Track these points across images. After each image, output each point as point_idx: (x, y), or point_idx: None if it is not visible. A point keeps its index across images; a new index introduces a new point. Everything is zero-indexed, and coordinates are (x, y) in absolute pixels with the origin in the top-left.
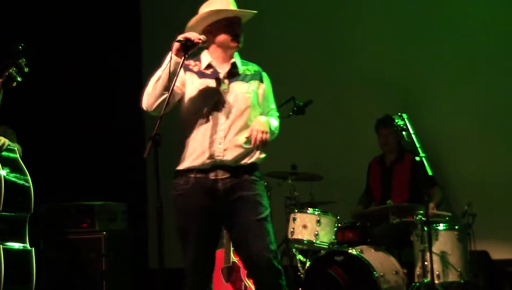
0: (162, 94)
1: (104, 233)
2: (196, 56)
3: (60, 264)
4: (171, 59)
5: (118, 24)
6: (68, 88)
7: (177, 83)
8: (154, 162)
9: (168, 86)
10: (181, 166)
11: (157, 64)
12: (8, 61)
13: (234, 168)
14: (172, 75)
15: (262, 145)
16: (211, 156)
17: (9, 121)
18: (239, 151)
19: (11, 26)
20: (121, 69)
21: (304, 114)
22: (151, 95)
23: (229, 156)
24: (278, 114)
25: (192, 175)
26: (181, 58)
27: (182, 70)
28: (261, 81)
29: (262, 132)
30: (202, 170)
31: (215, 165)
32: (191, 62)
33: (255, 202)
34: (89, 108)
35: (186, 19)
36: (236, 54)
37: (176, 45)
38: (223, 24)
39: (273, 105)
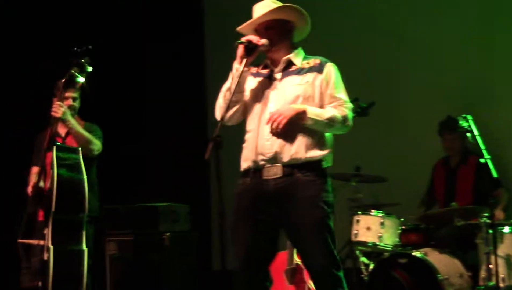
0: (232, 105)
1: (168, 234)
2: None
3: (124, 265)
4: (236, 70)
5: (180, 26)
6: (133, 90)
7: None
8: (215, 164)
9: (237, 96)
10: (241, 167)
11: (220, 68)
12: (71, 61)
13: (287, 166)
14: (239, 85)
15: (275, 128)
16: (261, 155)
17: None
18: (289, 148)
19: (73, 26)
20: (184, 72)
21: (368, 116)
22: (223, 108)
23: (279, 153)
24: (348, 105)
25: (249, 176)
26: (244, 63)
27: (243, 75)
28: (320, 72)
29: (279, 115)
30: (256, 170)
31: (267, 164)
32: (252, 68)
33: (310, 204)
34: (154, 110)
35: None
36: (298, 50)
37: (239, 49)
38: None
39: (341, 95)
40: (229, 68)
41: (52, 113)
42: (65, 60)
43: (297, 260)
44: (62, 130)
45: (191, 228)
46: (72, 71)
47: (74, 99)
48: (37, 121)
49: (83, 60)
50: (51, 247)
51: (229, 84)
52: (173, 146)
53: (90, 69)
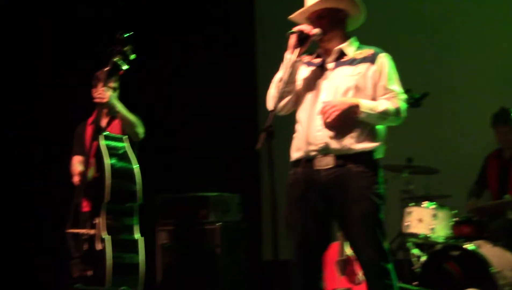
0: (285, 95)
1: (218, 224)
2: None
3: (175, 255)
4: (288, 60)
5: (231, 13)
6: (183, 78)
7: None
8: (267, 154)
9: (289, 86)
10: (292, 157)
11: (271, 57)
12: (114, 49)
13: (339, 157)
14: (291, 75)
15: (326, 120)
16: (313, 145)
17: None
18: (341, 140)
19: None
20: (235, 61)
21: (420, 107)
22: (275, 98)
23: (330, 145)
24: (402, 97)
25: (300, 166)
26: (296, 53)
27: (295, 65)
28: (373, 62)
29: (332, 107)
30: (307, 160)
31: (318, 154)
32: (305, 57)
33: (360, 195)
34: (205, 100)
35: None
36: (352, 40)
37: (291, 39)
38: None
39: (394, 86)
40: (280, 57)
41: (98, 99)
42: (108, 48)
43: (348, 251)
44: (103, 121)
45: (242, 218)
46: (115, 59)
47: (114, 89)
48: (78, 111)
49: (126, 48)
50: (105, 237)
51: (282, 74)
52: (224, 135)
53: (133, 56)
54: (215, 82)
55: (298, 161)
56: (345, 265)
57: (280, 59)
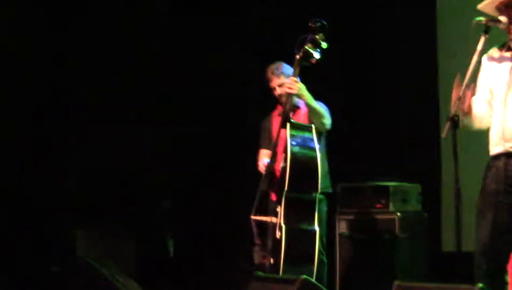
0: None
1: (398, 214)
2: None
3: (354, 245)
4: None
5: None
6: (364, 65)
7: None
8: (452, 143)
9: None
10: (491, 152)
11: (452, 43)
12: (306, 37)
13: None
14: (477, 63)
15: None
16: (501, 140)
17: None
18: None
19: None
20: (414, 47)
21: None
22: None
23: None
24: None
25: (494, 161)
26: (482, 42)
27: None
28: None
29: None
30: (508, 155)
31: (506, 149)
32: (495, 50)
33: None
34: (385, 87)
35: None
36: None
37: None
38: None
39: None
40: (461, 44)
41: (287, 90)
42: (300, 36)
43: None
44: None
45: (421, 208)
46: (307, 47)
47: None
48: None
49: (317, 36)
50: (284, 225)
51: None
52: (405, 124)
53: (325, 45)
54: (395, 67)
55: (497, 156)
56: None
57: (461, 45)
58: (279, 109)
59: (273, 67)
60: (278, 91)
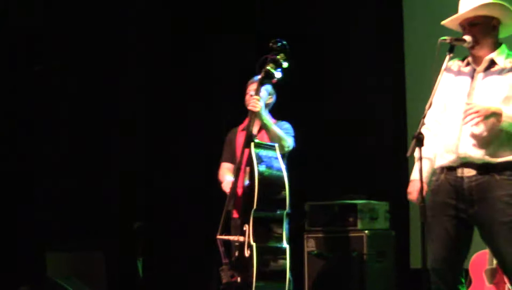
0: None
1: (366, 232)
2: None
3: (323, 262)
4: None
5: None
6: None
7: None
8: (418, 161)
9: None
10: (436, 163)
11: (419, 62)
12: (266, 57)
13: (481, 165)
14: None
15: (467, 123)
16: (455, 155)
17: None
18: (484, 148)
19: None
20: (383, 67)
21: None
22: (427, 105)
23: (473, 153)
24: None
25: (443, 173)
26: (447, 61)
27: (444, 72)
28: None
29: (476, 112)
30: (450, 167)
31: (461, 162)
32: (455, 62)
33: (505, 203)
34: (350, 105)
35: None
36: (502, 47)
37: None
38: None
39: None
40: (428, 62)
41: (251, 108)
42: (261, 56)
43: None
44: (254, 128)
45: (389, 225)
46: (268, 67)
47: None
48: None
49: (278, 56)
50: (254, 244)
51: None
52: (373, 141)
53: (286, 65)
54: (362, 85)
55: (442, 169)
56: (493, 274)
57: (428, 64)
58: (245, 124)
59: (252, 79)
60: (247, 96)
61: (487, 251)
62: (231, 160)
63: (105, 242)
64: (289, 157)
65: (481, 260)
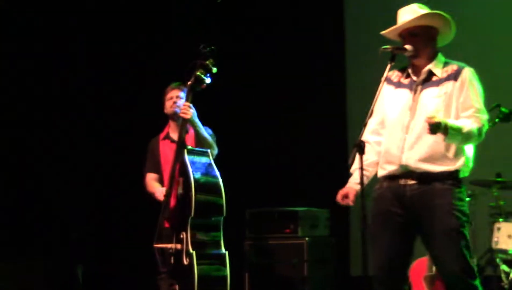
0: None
1: (307, 239)
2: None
3: (263, 269)
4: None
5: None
6: (269, 91)
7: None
8: (360, 169)
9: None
10: (378, 173)
11: (360, 70)
12: (196, 63)
13: (422, 175)
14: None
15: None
16: (398, 163)
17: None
18: (425, 158)
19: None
20: (324, 73)
21: (510, 122)
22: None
23: (415, 163)
24: (482, 116)
25: (386, 181)
26: (387, 70)
27: (385, 83)
28: (456, 79)
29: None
30: (393, 176)
31: (403, 171)
32: (395, 73)
33: (445, 212)
34: (292, 112)
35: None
36: (439, 57)
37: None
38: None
39: (476, 104)
40: (369, 71)
41: (182, 115)
42: (190, 62)
43: None
44: (175, 135)
45: (330, 233)
46: (198, 72)
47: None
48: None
49: (207, 62)
50: (193, 252)
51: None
52: (313, 149)
53: (214, 70)
54: (303, 93)
55: (384, 177)
56: (432, 281)
57: (369, 72)
58: (165, 132)
59: (172, 84)
60: (170, 103)
61: (427, 258)
62: (155, 170)
63: (45, 251)
64: (227, 164)
65: (420, 267)
